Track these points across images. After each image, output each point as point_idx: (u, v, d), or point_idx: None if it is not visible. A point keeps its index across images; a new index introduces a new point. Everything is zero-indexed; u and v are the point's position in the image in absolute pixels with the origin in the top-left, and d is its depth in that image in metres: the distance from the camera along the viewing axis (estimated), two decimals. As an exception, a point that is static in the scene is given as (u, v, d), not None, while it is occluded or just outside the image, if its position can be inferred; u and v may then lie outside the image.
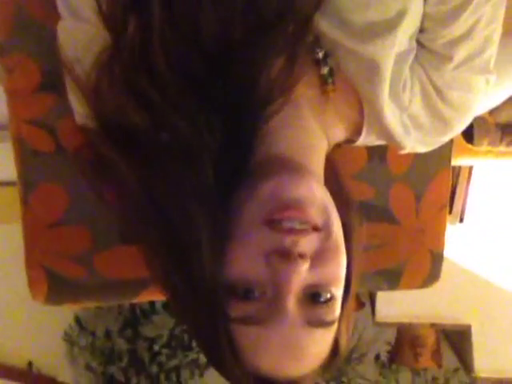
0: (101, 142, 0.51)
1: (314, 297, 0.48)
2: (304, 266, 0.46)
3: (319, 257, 0.48)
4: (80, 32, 0.51)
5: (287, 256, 0.46)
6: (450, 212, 1.68)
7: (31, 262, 0.67)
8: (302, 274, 0.46)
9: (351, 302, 0.55)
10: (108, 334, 1.91)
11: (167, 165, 0.49)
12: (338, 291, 0.50)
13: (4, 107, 0.65)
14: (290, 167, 0.51)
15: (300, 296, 0.48)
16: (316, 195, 0.49)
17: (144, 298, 0.71)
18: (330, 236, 0.49)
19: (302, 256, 0.46)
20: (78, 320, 1.86)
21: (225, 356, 0.48)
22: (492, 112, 1.23)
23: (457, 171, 1.64)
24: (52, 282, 0.67)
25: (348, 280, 0.53)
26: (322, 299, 0.48)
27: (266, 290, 0.47)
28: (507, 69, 0.95)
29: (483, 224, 1.73)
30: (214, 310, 0.47)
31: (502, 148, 1.31)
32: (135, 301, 0.73)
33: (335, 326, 0.51)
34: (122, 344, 1.94)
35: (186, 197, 0.48)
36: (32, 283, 0.67)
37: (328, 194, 0.51)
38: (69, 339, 1.87)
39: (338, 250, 0.49)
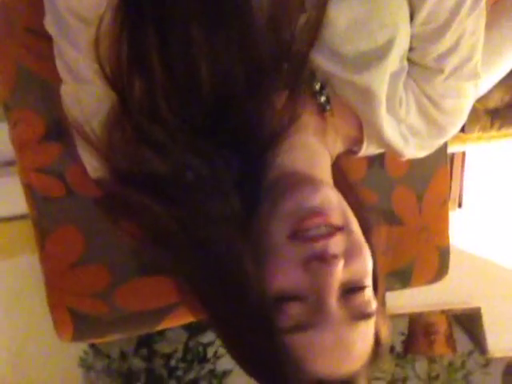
0: (122, 190, 0.54)
1: (349, 291, 0.51)
2: (340, 265, 0.49)
3: (348, 254, 0.50)
4: (84, 94, 0.54)
5: (323, 259, 0.49)
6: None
7: (54, 304, 0.68)
8: (339, 274, 0.49)
9: (381, 298, 0.58)
10: (123, 355, 1.92)
11: (194, 200, 0.51)
12: (369, 282, 0.53)
13: (8, 143, 0.66)
14: (304, 180, 0.54)
15: (338, 294, 0.50)
16: (333, 200, 0.52)
17: (166, 324, 0.73)
18: (352, 233, 0.52)
19: (335, 257, 0.49)
20: (92, 344, 1.86)
21: (286, 370, 0.50)
22: (480, 99, 1.25)
23: (450, 157, 1.66)
24: (77, 321, 0.68)
25: (375, 277, 0.55)
26: (357, 287, 0.51)
27: (308, 296, 0.50)
28: (492, 59, 0.99)
29: (482, 206, 1.75)
30: (265, 326, 0.49)
31: (494, 132, 1.33)
32: (158, 329, 0.74)
33: (374, 318, 0.53)
34: (138, 363, 1.94)
35: (218, 225, 0.51)
36: (58, 324, 0.68)
37: (341, 197, 0.55)
38: (85, 364, 1.88)
39: (362, 246, 0.53)
